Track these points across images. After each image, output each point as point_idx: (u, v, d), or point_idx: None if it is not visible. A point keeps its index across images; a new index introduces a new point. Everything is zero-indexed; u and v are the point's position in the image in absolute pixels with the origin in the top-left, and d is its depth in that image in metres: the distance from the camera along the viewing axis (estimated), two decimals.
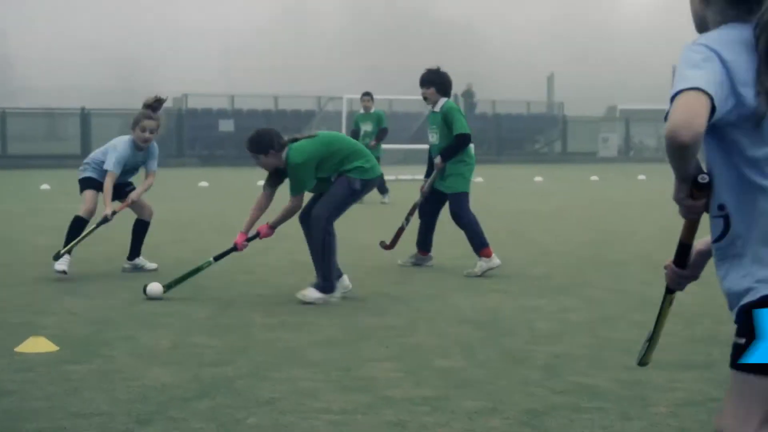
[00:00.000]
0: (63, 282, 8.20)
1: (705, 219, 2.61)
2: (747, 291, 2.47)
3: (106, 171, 8.34)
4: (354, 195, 7.50)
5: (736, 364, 2.46)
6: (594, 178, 26.88)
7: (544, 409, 4.59)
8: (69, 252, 8.28)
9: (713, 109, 2.39)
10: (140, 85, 40.31)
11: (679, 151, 2.40)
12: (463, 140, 8.89)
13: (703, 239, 2.72)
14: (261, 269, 9.01)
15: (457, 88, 40.44)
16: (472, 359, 5.58)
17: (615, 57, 52.12)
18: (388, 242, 9.61)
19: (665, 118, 2.40)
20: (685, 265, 2.69)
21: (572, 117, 43.71)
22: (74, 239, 8.33)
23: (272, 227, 7.53)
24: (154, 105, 8.42)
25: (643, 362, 2.91)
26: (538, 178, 26.13)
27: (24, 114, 36.04)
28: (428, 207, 9.33)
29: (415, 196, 9.65)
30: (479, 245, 8.83)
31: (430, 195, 9.21)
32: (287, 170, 7.35)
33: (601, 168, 33.80)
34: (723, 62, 2.45)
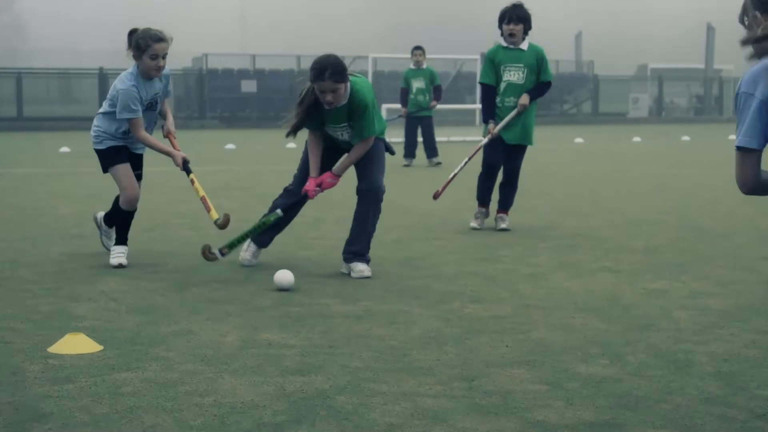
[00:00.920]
0: (96, 258, 7.07)
1: None
2: None
3: (126, 121, 6.62)
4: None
5: None
6: (636, 139, 25.63)
7: None
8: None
9: None
10: None
11: None
12: (549, 87, 8.68)
13: None
14: (319, 244, 7.86)
15: (483, 48, 39.25)
16: (622, 364, 4.43)
17: (645, 14, 50.62)
18: (439, 189, 8.63)
19: None
20: None
21: (602, 76, 42.30)
22: (126, 230, 6.95)
23: (337, 175, 6.49)
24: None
25: None
26: (578, 140, 24.91)
27: (39, 75, 34.90)
28: (498, 156, 8.61)
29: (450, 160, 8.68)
30: (511, 204, 8.80)
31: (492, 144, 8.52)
32: (353, 106, 6.23)
33: (636, 129, 32.48)
34: None
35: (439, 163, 15.91)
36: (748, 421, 3.66)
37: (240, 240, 6.53)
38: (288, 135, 6.48)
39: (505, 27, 8.49)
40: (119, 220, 6.90)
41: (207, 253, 6.39)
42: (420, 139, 16.27)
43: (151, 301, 5.73)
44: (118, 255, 6.80)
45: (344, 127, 6.35)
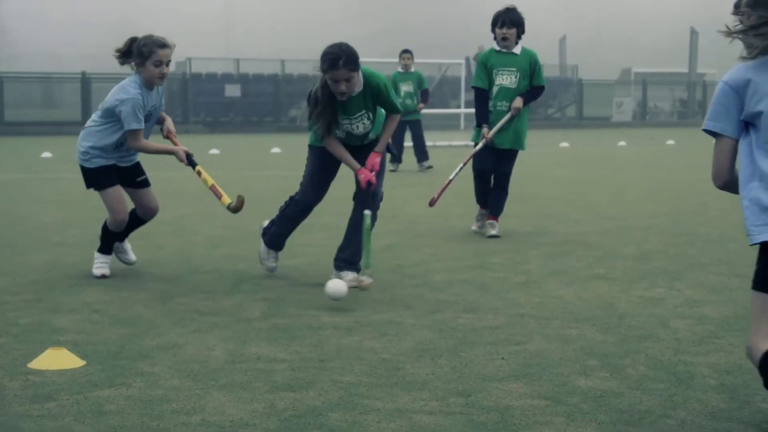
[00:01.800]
0: (78, 267, 6.90)
1: None
2: None
3: (126, 133, 6.34)
4: None
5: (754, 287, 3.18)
6: (622, 143, 25.56)
7: None
8: None
9: None
10: None
11: None
12: (542, 92, 8.61)
13: None
14: (308, 251, 7.71)
15: (468, 52, 39.18)
16: (622, 377, 4.30)
17: (629, 18, 50.68)
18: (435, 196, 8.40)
19: None
20: None
21: (586, 81, 42.26)
22: (113, 241, 6.71)
23: (380, 153, 6.33)
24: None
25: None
26: (563, 144, 24.84)
27: (21, 79, 34.59)
28: (488, 161, 8.51)
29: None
30: (501, 210, 8.61)
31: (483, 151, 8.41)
32: (370, 91, 6.09)
33: (621, 133, 32.43)
34: None
35: (430, 167, 15.78)
36: None
37: (367, 254, 6.25)
38: (323, 137, 6.19)
39: (498, 31, 8.41)
40: (108, 234, 6.70)
41: (362, 285, 6.16)
42: (409, 143, 16.14)
43: (134, 312, 5.58)
44: (101, 265, 6.63)
45: (361, 116, 6.17)
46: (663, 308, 5.71)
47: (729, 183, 3.38)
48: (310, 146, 6.47)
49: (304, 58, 37.18)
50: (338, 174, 6.52)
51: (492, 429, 3.63)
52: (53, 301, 5.85)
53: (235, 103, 34.37)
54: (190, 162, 6.44)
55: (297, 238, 8.25)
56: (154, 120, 6.57)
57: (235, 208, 6.37)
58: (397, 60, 15.92)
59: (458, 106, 33.21)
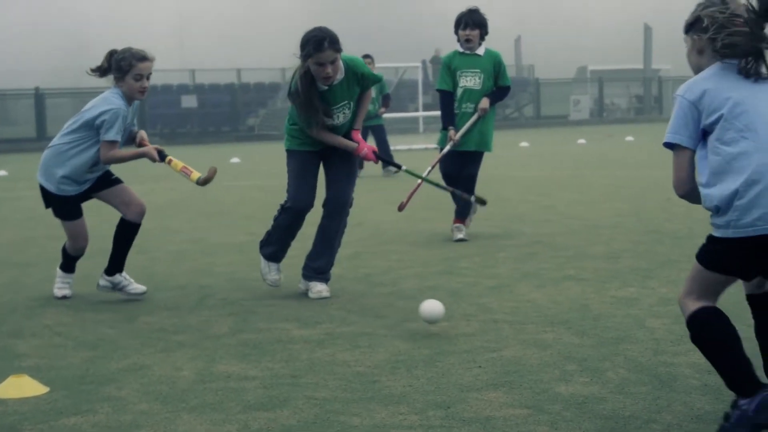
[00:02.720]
0: (38, 288, 6.71)
1: None
2: None
3: (101, 145, 5.97)
4: None
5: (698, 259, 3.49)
6: (581, 141, 25.60)
7: None
8: None
9: None
10: (94, 62, 38.36)
11: None
12: (508, 92, 8.60)
13: None
14: None
15: (425, 54, 39.06)
16: (603, 381, 4.21)
17: (583, 17, 50.93)
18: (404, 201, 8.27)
19: None
20: None
21: (543, 80, 42.40)
22: (76, 259, 6.45)
23: (359, 129, 6.32)
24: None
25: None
26: (523, 144, 24.83)
27: None
28: (453, 164, 8.39)
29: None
30: (468, 213, 8.53)
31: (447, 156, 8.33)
32: (353, 74, 5.99)
33: (579, 131, 32.51)
34: None
35: (396, 172, 15.63)
36: None
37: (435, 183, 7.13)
38: (318, 131, 6.03)
39: (461, 33, 8.35)
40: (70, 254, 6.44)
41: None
42: None
43: (98, 334, 5.41)
44: (63, 285, 6.43)
45: (343, 105, 6.05)
46: (638, 308, 5.64)
47: (690, 192, 3.53)
48: (288, 151, 6.28)
49: (260, 67, 37.02)
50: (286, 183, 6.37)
51: None
52: (13, 325, 5.67)
53: (192, 114, 34.08)
54: (162, 157, 6.20)
55: (255, 246, 8.12)
56: (125, 137, 6.24)
57: (205, 180, 6.07)
58: None
59: (416, 110, 33.15)
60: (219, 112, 34.75)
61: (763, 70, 3.39)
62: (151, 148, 6.19)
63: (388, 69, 37.32)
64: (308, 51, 5.74)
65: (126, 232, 6.32)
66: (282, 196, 6.36)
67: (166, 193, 13.79)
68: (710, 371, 4.29)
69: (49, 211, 6.34)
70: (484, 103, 8.27)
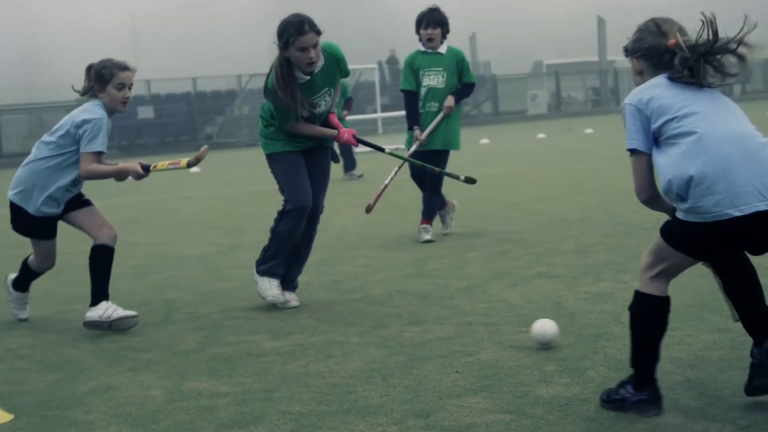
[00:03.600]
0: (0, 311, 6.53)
1: None
2: None
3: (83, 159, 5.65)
4: None
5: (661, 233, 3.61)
6: (541, 135, 25.64)
7: None
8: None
9: None
10: (46, 79, 37.99)
11: None
12: (473, 89, 8.57)
13: None
14: (237, 273, 7.41)
15: (380, 56, 38.92)
16: (585, 381, 4.13)
17: (536, 11, 51.09)
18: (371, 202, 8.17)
19: None
20: None
21: (499, 76, 42.46)
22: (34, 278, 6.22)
23: (335, 112, 6.20)
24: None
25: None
26: (483, 141, 24.80)
27: None
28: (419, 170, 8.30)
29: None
30: (434, 213, 8.49)
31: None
32: (333, 60, 5.86)
33: (538, 125, 32.56)
34: None
35: (360, 176, 15.52)
36: None
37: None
38: (295, 124, 5.90)
39: (422, 32, 8.31)
40: (29, 271, 6.22)
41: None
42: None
43: (63, 355, 5.25)
44: (22, 307, 6.22)
45: (324, 93, 5.91)
46: (612, 303, 5.56)
47: (653, 196, 3.64)
48: (271, 155, 6.08)
49: (216, 74, 36.74)
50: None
51: None
52: None
53: (149, 125, 33.76)
54: (146, 170, 5.86)
55: (222, 261, 8.00)
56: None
57: (196, 159, 5.79)
58: None
59: (374, 111, 33.05)
60: (176, 122, 34.48)
61: (707, 79, 3.54)
62: (132, 165, 5.83)
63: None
64: (289, 36, 5.59)
65: (103, 257, 5.86)
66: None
67: (124, 207, 13.60)
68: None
69: (10, 230, 6.07)
70: (449, 101, 8.22)
